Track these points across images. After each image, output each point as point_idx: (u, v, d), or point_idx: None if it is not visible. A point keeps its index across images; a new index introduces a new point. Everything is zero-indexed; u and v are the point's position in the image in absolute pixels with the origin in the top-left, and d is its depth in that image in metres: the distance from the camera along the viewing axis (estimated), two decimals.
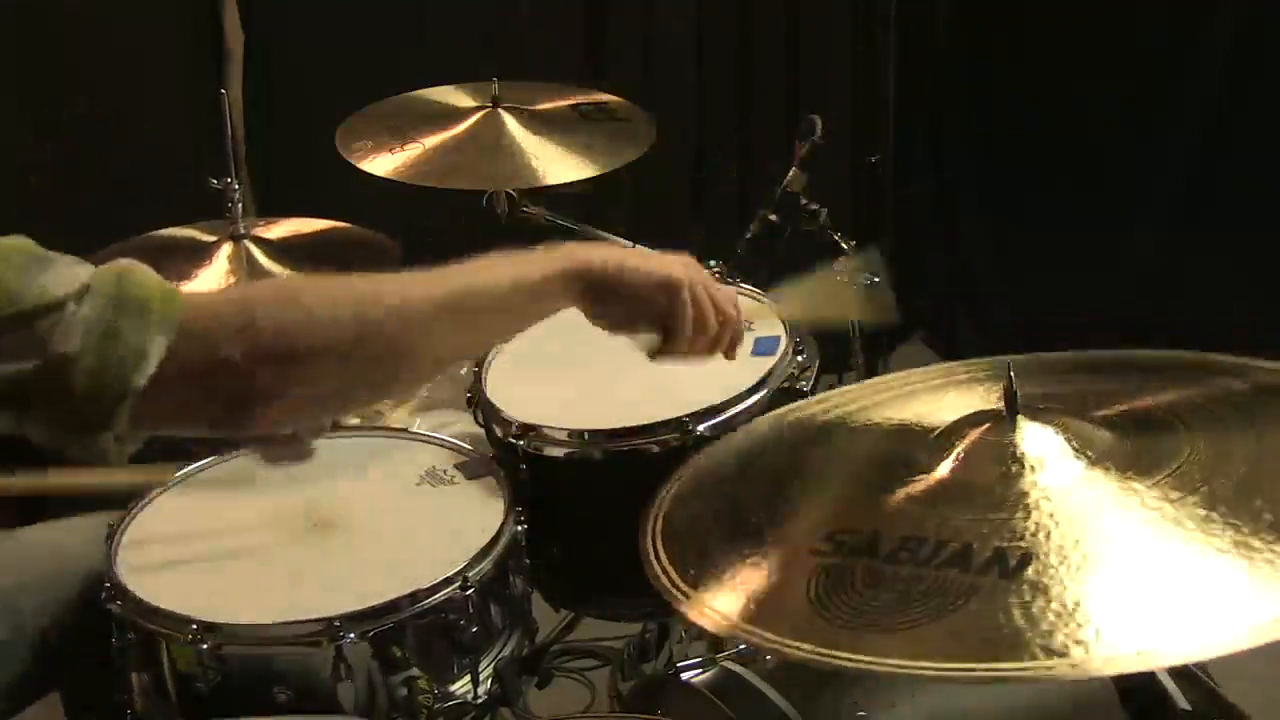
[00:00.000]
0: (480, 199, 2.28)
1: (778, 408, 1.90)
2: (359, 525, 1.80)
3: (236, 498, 1.85)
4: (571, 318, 2.17)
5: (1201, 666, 1.47)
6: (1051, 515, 1.12)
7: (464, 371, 2.12)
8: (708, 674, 1.60)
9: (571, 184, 2.29)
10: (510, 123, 2.39)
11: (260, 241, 2.17)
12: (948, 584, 1.08)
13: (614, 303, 1.34)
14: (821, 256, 2.21)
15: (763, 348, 1.98)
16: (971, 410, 1.31)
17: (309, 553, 1.76)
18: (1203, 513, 1.09)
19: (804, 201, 2.14)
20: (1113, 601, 1.04)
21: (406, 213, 2.56)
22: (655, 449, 1.84)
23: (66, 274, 1.05)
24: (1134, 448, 1.20)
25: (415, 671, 1.67)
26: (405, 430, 2.04)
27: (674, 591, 1.19)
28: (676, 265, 1.37)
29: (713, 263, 2.20)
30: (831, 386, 2.16)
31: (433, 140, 2.36)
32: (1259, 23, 2.91)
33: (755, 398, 1.88)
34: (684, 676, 1.61)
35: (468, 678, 1.72)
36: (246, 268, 2.12)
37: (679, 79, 3.40)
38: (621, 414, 1.87)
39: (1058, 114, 3.20)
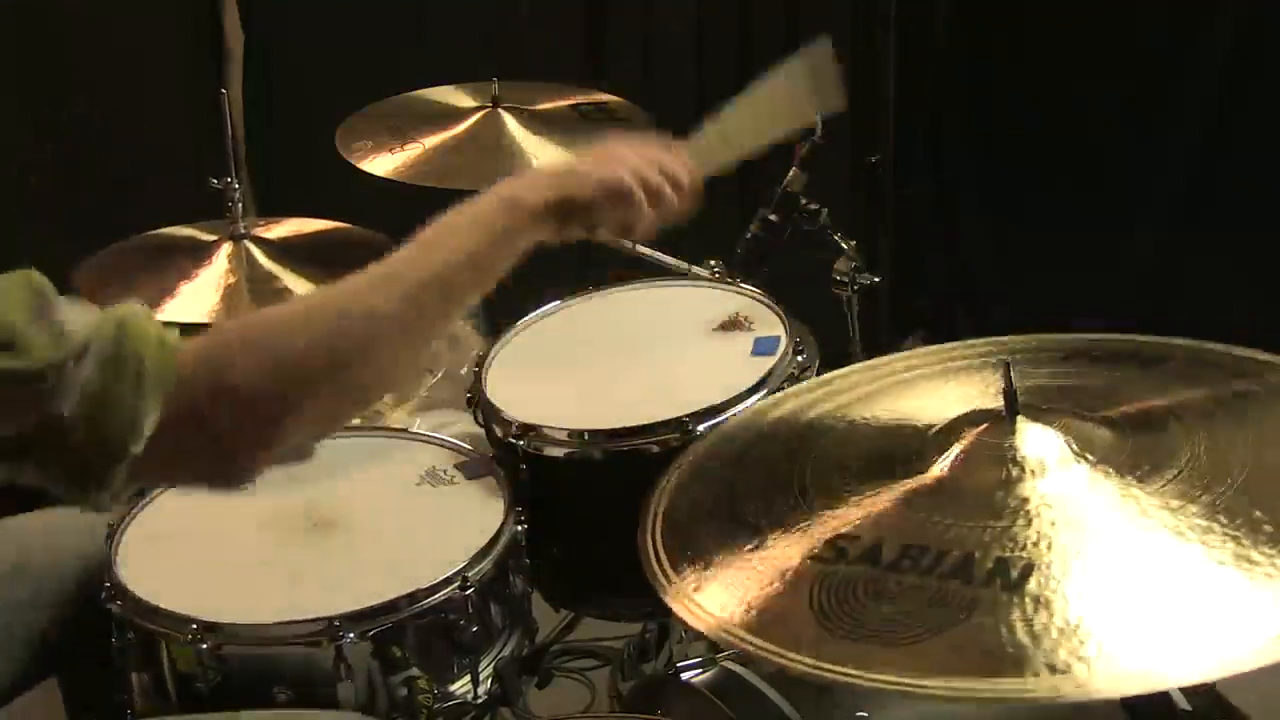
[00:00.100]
0: None
1: None
2: (359, 525, 1.80)
3: (236, 498, 1.84)
4: (572, 318, 2.18)
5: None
6: (1053, 524, 1.12)
7: (464, 371, 2.12)
8: (708, 674, 1.60)
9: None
10: (510, 123, 2.39)
11: (260, 241, 2.17)
12: (950, 596, 1.07)
13: (570, 224, 1.33)
14: (821, 256, 2.21)
15: (763, 348, 1.98)
16: (971, 404, 1.31)
17: (309, 553, 1.76)
18: (1204, 523, 1.09)
19: (804, 201, 2.14)
20: (1115, 618, 1.04)
21: (406, 213, 2.54)
22: (655, 449, 1.84)
23: (68, 326, 1.04)
24: (1135, 449, 1.20)
25: (415, 671, 1.67)
26: (405, 430, 2.04)
27: (678, 600, 1.18)
28: (615, 161, 1.35)
29: (713, 262, 2.20)
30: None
31: (433, 140, 2.36)
32: (1259, 23, 2.91)
33: (755, 398, 1.88)
34: (684, 676, 1.61)
35: (468, 678, 1.72)
36: (246, 268, 2.12)
37: (679, 79, 3.39)
38: (621, 414, 1.87)
39: (1058, 114, 3.20)
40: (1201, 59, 3.00)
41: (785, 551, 1.21)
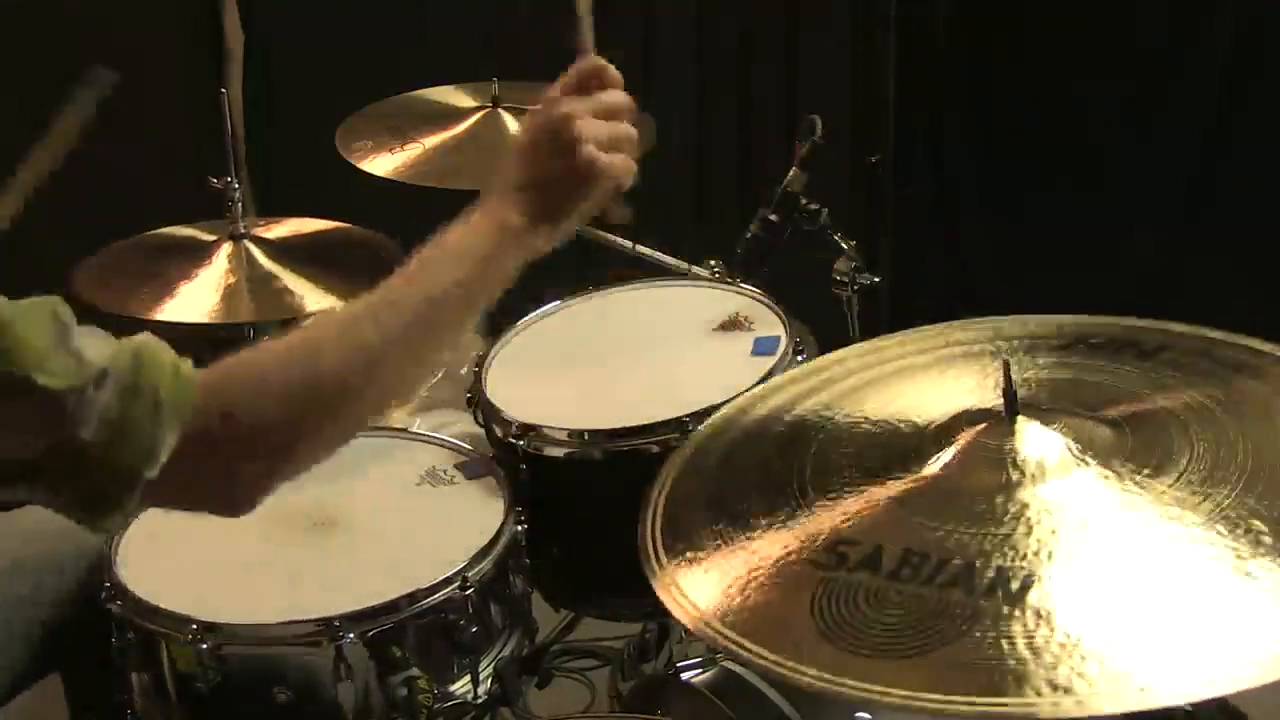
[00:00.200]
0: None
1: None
2: (359, 525, 1.80)
3: None
4: (572, 318, 2.18)
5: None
6: (1053, 531, 1.11)
7: (464, 371, 2.12)
8: (708, 674, 1.60)
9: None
10: (510, 123, 2.39)
11: (260, 241, 2.17)
12: (951, 607, 1.06)
13: (556, 230, 1.29)
14: (821, 256, 2.21)
15: (763, 348, 1.98)
16: (969, 397, 1.30)
17: (309, 553, 1.76)
18: (1206, 533, 1.08)
19: (804, 201, 2.14)
20: (1116, 632, 1.03)
21: (406, 213, 2.55)
22: (655, 449, 1.84)
23: (87, 352, 1.05)
24: (1135, 449, 1.19)
25: (415, 671, 1.67)
26: (405, 430, 2.04)
27: (680, 609, 1.18)
28: (570, 142, 1.30)
29: (713, 262, 2.20)
30: None
31: (433, 140, 2.36)
32: (1259, 23, 2.91)
33: None
34: (684, 676, 1.61)
35: (468, 678, 1.72)
36: (246, 267, 2.12)
37: (679, 79, 3.39)
38: (621, 414, 1.87)
39: (1058, 114, 3.20)
40: (1201, 59, 3.00)
41: (785, 552, 1.20)
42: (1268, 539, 1.07)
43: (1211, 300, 2.97)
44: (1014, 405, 1.23)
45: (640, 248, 2.21)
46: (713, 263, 2.18)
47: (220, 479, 1.13)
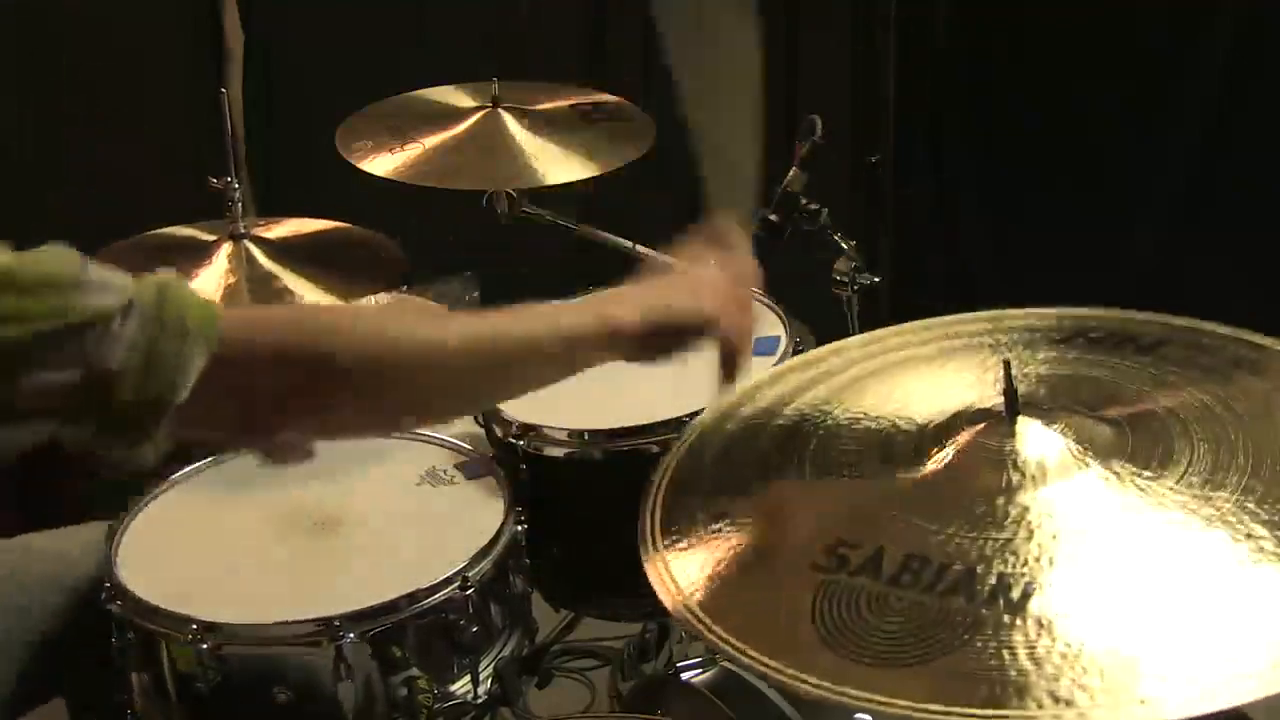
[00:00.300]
0: (480, 199, 2.28)
1: None
2: (359, 525, 1.80)
3: (236, 498, 1.85)
4: None
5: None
6: (1054, 536, 1.11)
7: None
8: (708, 674, 1.61)
9: (571, 184, 2.28)
10: (510, 123, 2.39)
11: (260, 241, 2.17)
12: (952, 615, 1.06)
13: (652, 353, 1.32)
14: (821, 256, 2.21)
15: (763, 348, 1.98)
16: (969, 393, 1.30)
17: (309, 553, 1.76)
18: (1206, 539, 1.08)
19: (804, 201, 2.13)
20: (1117, 644, 1.02)
21: (406, 213, 2.56)
22: (655, 449, 1.84)
23: (110, 287, 1.06)
24: (1136, 449, 1.19)
25: (415, 671, 1.67)
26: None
27: (681, 611, 1.18)
28: (704, 293, 1.33)
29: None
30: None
31: (433, 140, 2.35)
32: (1259, 23, 2.91)
33: None
34: (684, 676, 1.62)
35: (468, 678, 1.72)
36: (246, 267, 2.12)
37: (679, 79, 3.39)
38: (621, 414, 1.87)
39: (1058, 114, 3.19)
40: (1201, 59, 3.00)
41: (785, 551, 1.20)
42: (1269, 545, 1.06)
43: (1211, 300, 2.96)
44: (1015, 406, 1.22)
45: (640, 248, 2.21)
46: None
47: (254, 410, 1.12)
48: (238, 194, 2.15)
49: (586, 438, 1.87)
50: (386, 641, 1.65)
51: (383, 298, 2.28)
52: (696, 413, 1.82)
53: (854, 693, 1.03)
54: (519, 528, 1.79)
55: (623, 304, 1.28)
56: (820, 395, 1.42)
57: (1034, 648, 1.02)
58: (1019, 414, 1.22)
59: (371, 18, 3.13)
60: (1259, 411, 1.24)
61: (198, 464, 1.90)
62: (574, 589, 2.03)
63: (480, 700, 1.73)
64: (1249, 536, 1.08)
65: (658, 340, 1.30)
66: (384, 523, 1.81)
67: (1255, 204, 2.96)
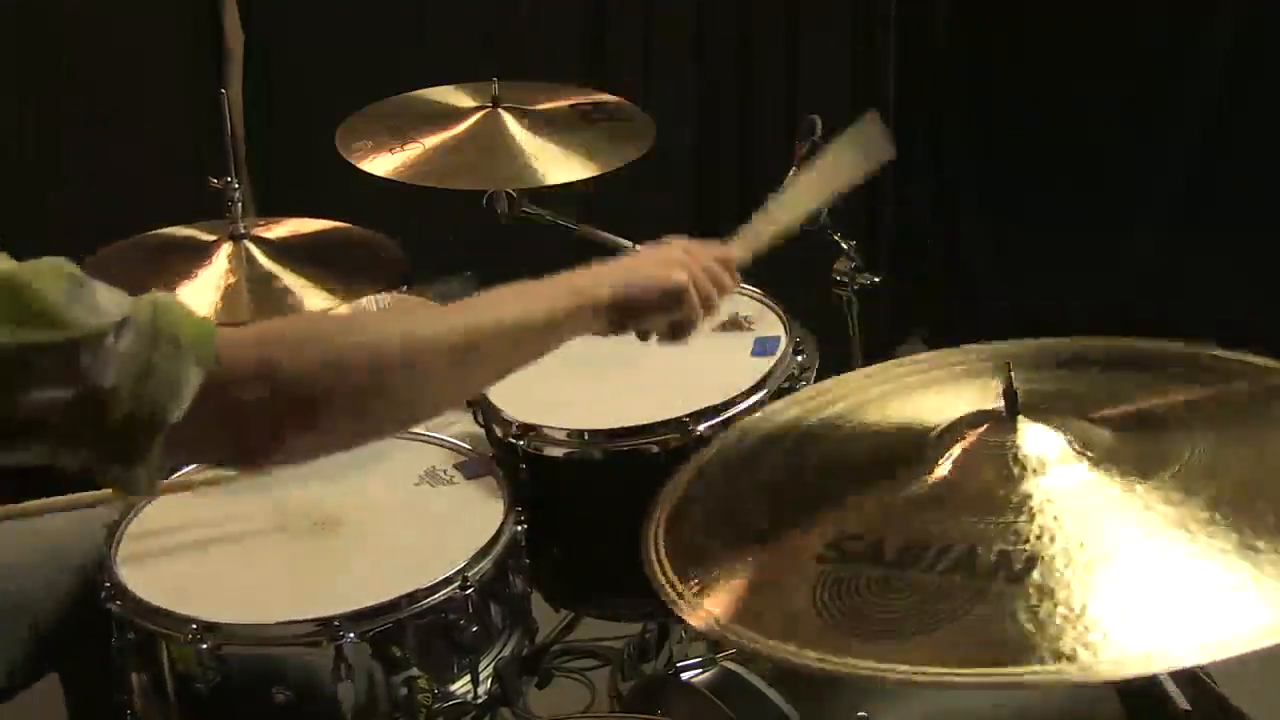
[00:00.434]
0: (480, 199, 2.27)
1: None
2: (359, 525, 1.80)
3: (236, 498, 1.85)
4: None
5: (1202, 666, 1.47)
6: (1055, 518, 1.12)
7: None
8: (708, 674, 1.60)
9: (571, 184, 2.28)
10: (510, 123, 2.39)
11: (260, 241, 2.17)
12: (954, 589, 1.07)
13: (625, 324, 1.35)
14: (821, 256, 2.21)
15: (762, 348, 1.98)
16: (971, 408, 1.31)
17: (309, 553, 1.76)
18: (1206, 515, 1.09)
19: None
20: (1119, 604, 1.04)
21: (406, 213, 2.55)
22: (655, 449, 1.84)
23: (105, 304, 1.06)
24: (1135, 448, 1.20)
25: (415, 671, 1.67)
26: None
27: (678, 599, 1.18)
28: (675, 265, 1.38)
29: None
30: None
31: (433, 140, 2.35)
32: (1259, 23, 2.91)
33: (755, 398, 1.88)
34: (684, 676, 1.61)
35: (468, 678, 1.72)
36: (246, 267, 2.12)
37: (679, 79, 3.39)
38: (621, 414, 1.87)
39: (1058, 114, 3.20)
40: (1201, 59, 3.00)
41: (788, 553, 1.20)
42: (1271, 518, 1.08)
43: (1211, 300, 3.00)
44: (1015, 405, 1.23)
45: (635, 249, 2.20)
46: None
47: (247, 430, 1.11)
48: (238, 194, 2.14)
49: (586, 438, 1.87)
50: (386, 641, 1.65)
51: (383, 298, 2.28)
52: (696, 413, 1.84)
53: (855, 662, 1.04)
54: (519, 528, 1.79)
55: (595, 279, 1.32)
56: (826, 415, 1.43)
57: (1036, 612, 1.03)
58: (1019, 414, 1.23)
59: (371, 18, 3.13)
60: (1251, 414, 1.25)
61: (198, 464, 1.89)
62: (574, 589, 2.03)
63: (480, 700, 1.73)
64: (1250, 517, 1.10)
65: (630, 312, 1.34)
66: (384, 523, 1.81)
67: (1255, 204, 2.96)
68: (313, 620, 1.62)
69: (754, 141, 3.47)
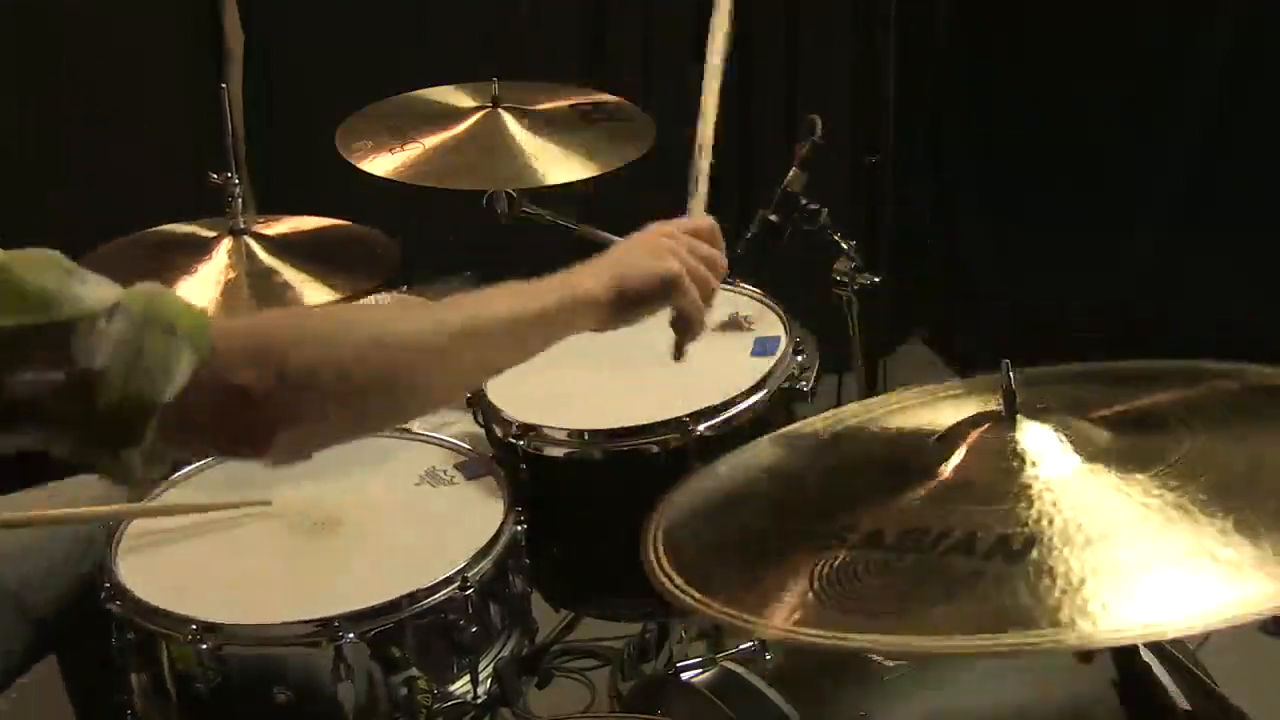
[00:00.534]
0: (480, 199, 2.28)
1: (778, 408, 1.92)
2: (359, 525, 1.80)
3: (236, 498, 1.85)
4: None
5: (1201, 667, 1.47)
6: (1054, 504, 1.13)
7: None
8: (708, 674, 1.61)
9: (571, 184, 2.28)
10: (510, 123, 2.39)
11: (260, 237, 2.17)
12: (952, 569, 1.08)
13: (624, 317, 1.36)
14: (821, 256, 2.21)
15: (762, 348, 1.98)
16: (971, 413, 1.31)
17: (309, 553, 1.76)
18: (1204, 497, 1.10)
19: (804, 201, 2.13)
20: (1118, 578, 1.05)
21: (406, 212, 2.56)
22: (655, 449, 1.84)
23: (97, 289, 1.06)
24: (1131, 445, 1.21)
25: (415, 671, 1.67)
26: (405, 430, 2.04)
27: (678, 593, 1.19)
28: (664, 252, 1.38)
29: None
30: (832, 387, 2.17)
31: (433, 140, 2.35)
32: (1259, 23, 2.91)
33: (755, 398, 1.88)
34: (684, 676, 1.62)
35: (467, 678, 1.72)
36: (246, 263, 2.12)
37: (679, 79, 3.39)
38: (621, 414, 1.87)
39: (1058, 114, 3.20)
40: (1201, 59, 3.00)
41: (790, 547, 1.21)
42: (1271, 503, 1.10)
43: (1211, 300, 3.00)
44: (1014, 404, 1.23)
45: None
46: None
47: (246, 416, 1.11)
48: (238, 189, 2.15)
49: (586, 438, 1.87)
50: (386, 641, 1.65)
51: (383, 297, 2.29)
52: (696, 413, 1.84)
53: (854, 637, 1.05)
54: (519, 528, 1.79)
55: (589, 275, 1.33)
56: (830, 430, 1.44)
57: (1035, 588, 1.04)
58: (1018, 413, 1.23)
59: (371, 18, 3.13)
60: (1253, 415, 1.26)
61: (197, 464, 1.89)
62: (574, 589, 2.02)
63: (480, 700, 1.73)
64: (1246, 500, 1.11)
65: (627, 305, 1.34)
66: (384, 523, 1.81)
67: (1255, 204, 2.96)
68: (313, 620, 1.62)
69: (754, 141, 3.47)
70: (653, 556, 1.24)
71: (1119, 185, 3.16)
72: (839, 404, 1.95)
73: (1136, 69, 3.07)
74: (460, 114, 2.42)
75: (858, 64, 3.34)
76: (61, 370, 1.03)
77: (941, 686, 1.52)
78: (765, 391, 1.90)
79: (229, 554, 1.76)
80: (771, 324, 2.03)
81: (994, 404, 1.28)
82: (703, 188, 1.54)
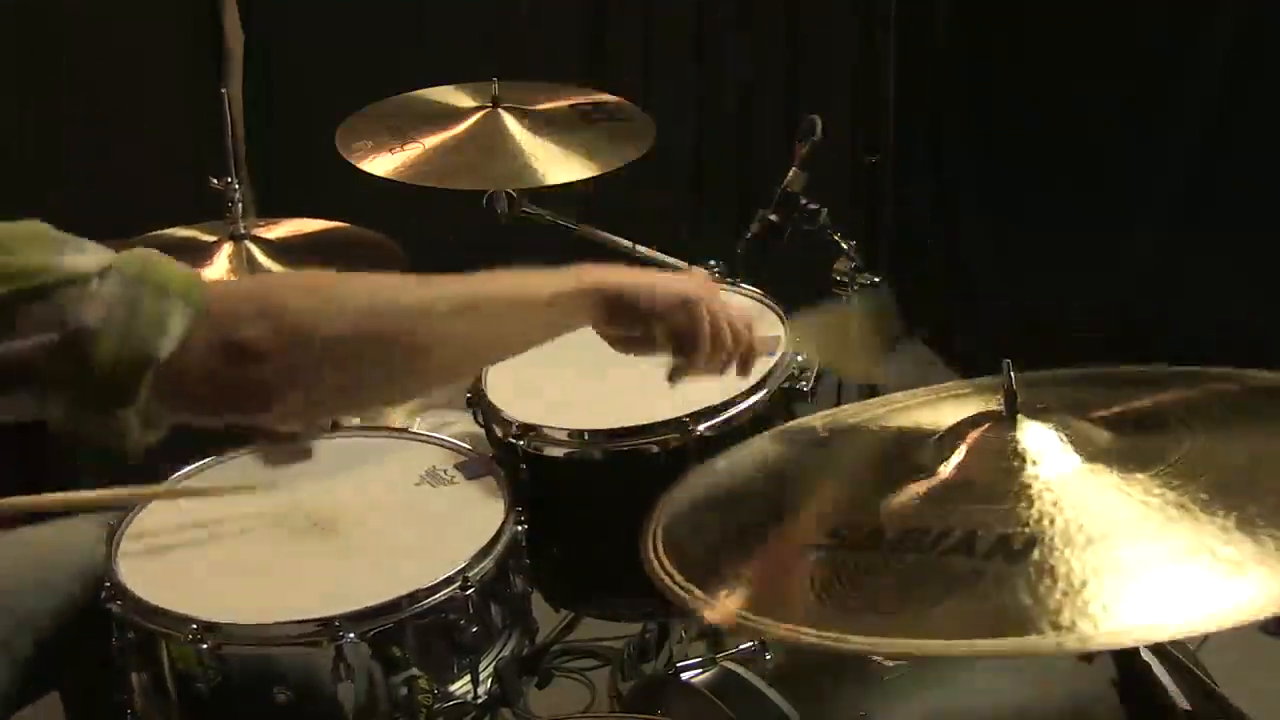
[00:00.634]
0: (480, 199, 2.28)
1: (778, 408, 1.92)
2: (359, 525, 1.80)
3: (237, 498, 1.85)
4: None
5: (1201, 667, 1.47)
6: (1055, 504, 1.13)
7: None
8: (708, 674, 1.61)
9: (571, 184, 2.29)
10: (510, 123, 2.39)
11: (260, 241, 2.18)
12: (952, 568, 1.08)
13: (631, 321, 1.35)
14: (821, 256, 2.21)
15: (763, 348, 1.98)
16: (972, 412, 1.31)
17: (309, 553, 1.76)
18: (1205, 497, 1.10)
19: (804, 201, 2.14)
20: (1118, 578, 1.05)
21: (406, 213, 2.56)
22: (655, 449, 1.84)
23: (88, 255, 1.06)
24: (1131, 443, 1.21)
25: (415, 671, 1.67)
26: (405, 430, 2.04)
27: (680, 592, 1.19)
28: (691, 284, 1.38)
29: (712, 262, 2.20)
30: (832, 387, 2.17)
31: (433, 140, 2.35)
32: (1259, 23, 2.91)
33: (755, 398, 1.88)
34: (684, 676, 1.62)
35: (468, 678, 1.72)
36: (247, 268, 2.12)
37: (679, 79, 3.40)
38: (621, 414, 1.87)
39: (1058, 114, 3.20)
40: (1201, 59, 3.00)
41: (790, 545, 1.21)
42: (1272, 499, 1.10)
43: (1211, 300, 3.00)
44: (1014, 404, 1.23)
45: (640, 248, 2.21)
46: (712, 263, 2.18)
47: (251, 372, 1.11)
48: (238, 194, 2.15)
49: (586, 438, 1.87)
50: (386, 641, 1.65)
51: None
52: (696, 413, 1.84)
53: (855, 639, 1.05)
54: (519, 528, 1.79)
55: (605, 271, 1.32)
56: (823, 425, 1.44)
57: (1035, 589, 1.04)
58: (1018, 413, 1.23)
59: (371, 18, 3.13)
60: (1253, 415, 1.26)
61: (198, 464, 1.90)
62: (574, 589, 2.03)
63: (480, 700, 1.73)
64: (1247, 498, 1.11)
65: (633, 313, 1.33)
66: (384, 523, 1.81)
67: (1255, 204, 2.96)
68: (313, 620, 1.62)
69: (754, 141, 3.47)
70: (653, 555, 1.24)
71: (1119, 185, 3.16)
72: (839, 404, 1.95)
73: (1136, 69, 3.07)
74: (460, 114, 2.42)
75: (858, 64, 3.35)
76: (55, 331, 1.03)
77: (941, 686, 1.52)
78: (765, 391, 1.89)
79: (229, 554, 1.76)
80: (771, 324, 2.03)
81: (994, 404, 1.28)
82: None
